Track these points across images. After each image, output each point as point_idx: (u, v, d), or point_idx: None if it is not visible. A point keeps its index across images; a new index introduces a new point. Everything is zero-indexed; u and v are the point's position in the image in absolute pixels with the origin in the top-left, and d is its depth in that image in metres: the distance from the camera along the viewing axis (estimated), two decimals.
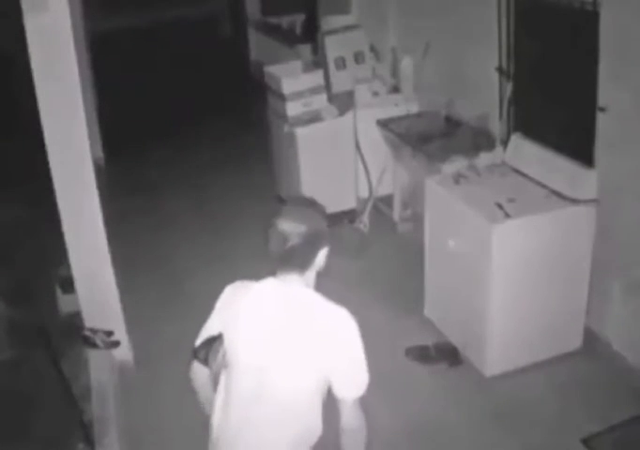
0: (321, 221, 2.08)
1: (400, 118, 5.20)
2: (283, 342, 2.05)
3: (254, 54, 9.93)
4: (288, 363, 2.05)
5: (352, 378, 2.11)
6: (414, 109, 5.36)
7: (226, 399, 2.15)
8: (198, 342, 2.22)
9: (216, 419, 2.21)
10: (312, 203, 2.14)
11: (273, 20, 8.99)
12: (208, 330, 2.20)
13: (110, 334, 3.85)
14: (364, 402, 2.15)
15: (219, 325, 2.17)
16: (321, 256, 2.09)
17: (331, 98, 5.48)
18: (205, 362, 2.20)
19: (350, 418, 2.12)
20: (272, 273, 2.11)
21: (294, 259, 2.04)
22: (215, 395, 2.23)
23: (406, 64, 5.33)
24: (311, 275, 2.11)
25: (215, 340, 2.16)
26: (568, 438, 3.39)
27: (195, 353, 2.22)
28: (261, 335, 2.07)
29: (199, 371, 2.23)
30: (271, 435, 2.08)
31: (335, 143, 5.44)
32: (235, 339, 2.11)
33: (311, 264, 2.07)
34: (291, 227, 2.01)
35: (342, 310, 2.09)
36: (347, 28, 5.60)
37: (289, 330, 2.05)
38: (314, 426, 2.13)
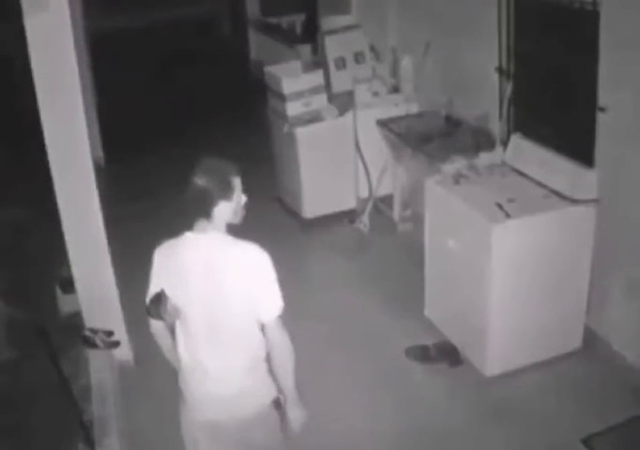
0: (226, 173, 2.40)
1: (400, 118, 5.20)
2: (215, 283, 2.39)
3: (254, 54, 9.92)
4: (224, 298, 2.40)
5: (270, 301, 2.42)
6: (414, 109, 5.36)
7: (187, 341, 2.51)
8: (147, 302, 2.52)
9: (183, 359, 2.54)
10: (223, 161, 2.44)
11: (273, 20, 8.99)
12: (153, 289, 2.51)
13: (110, 334, 3.85)
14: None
15: (160, 283, 2.48)
16: (224, 208, 2.38)
17: (331, 98, 5.48)
18: (159, 316, 2.51)
19: (275, 336, 2.47)
20: (190, 228, 2.44)
21: (201, 209, 2.37)
22: (168, 339, 2.60)
23: (406, 64, 5.33)
24: (220, 223, 2.41)
25: (161, 297, 2.47)
26: (568, 438, 3.39)
27: (148, 312, 2.52)
28: (196, 281, 2.40)
29: (156, 326, 2.58)
30: (228, 356, 2.47)
31: (335, 143, 5.44)
32: (176, 291, 2.44)
33: (210, 213, 2.37)
34: (199, 182, 2.33)
35: (255, 246, 2.45)
36: (347, 28, 5.60)
37: (216, 272, 2.39)
38: (259, 349, 2.52)
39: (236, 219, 2.48)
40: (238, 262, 2.42)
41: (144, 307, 2.55)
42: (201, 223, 2.42)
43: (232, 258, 2.42)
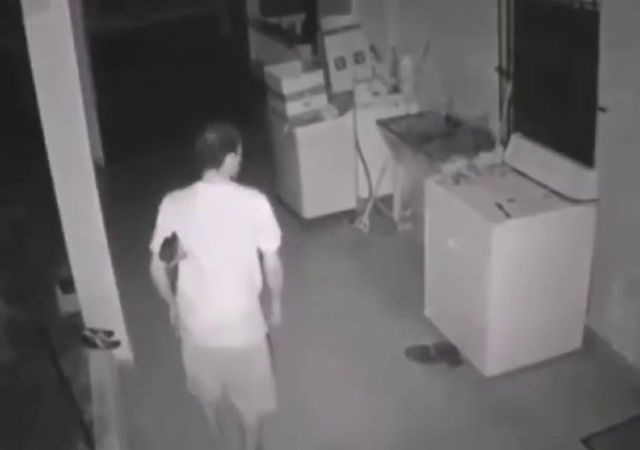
0: (233, 132, 2.85)
1: (400, 118, 5.20)
2: (223, 223, 2.80)
3: (254, 54, 9.93)
4: (231, 236, 2.83)
5: (271, 233, 2.88)
6: (414, 109, 5.36)
7: (194, 278, 2.89)
8: (156, 246, 2.86)
9: (184, 293, 2.96)
10: (229, 123, 2.88)
11: (273, 20, 8.99)
12: (161, 234, 2.83)
13: (110, 334, 3.85)
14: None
15: (169, 228, 2.81)
16: (231, 159, 2.81)
17: (331, 98, 5.48)
18: (169, 259, 2.82)
19: (272, 263, 2.93)
20: (199, 178, 2.83)
21: (212, 158, 2.77)
22: (166, 279, 2.99)
23: (406, 64, 5.32)
24: (226, 174, 2.83)
25: (171, 240, 2.78)
26: (568, 438, 3.39)
27: (160, 255, 2.83)
28: (206, 223, 2.80)
29: (157, 268, 2.94)
30: (233, 289, 2.90)
31: (335, 143, 5.44)
32: (188, 233, 2.81)
33: (223, 163, 2.79)
34: (211, 137, 2.77)
35: (256, 191, 2.87)
36: (347, 28, 5.59)
37: (227, 214, 2.81)
38: (257, 278, 2.96)
39: (235, 174, 2.88)
40: (245, 204, 2.84)
41: (153, 252, 2.89)
42: (210, 174, 2.81)
43: (240, 202, 2.83)
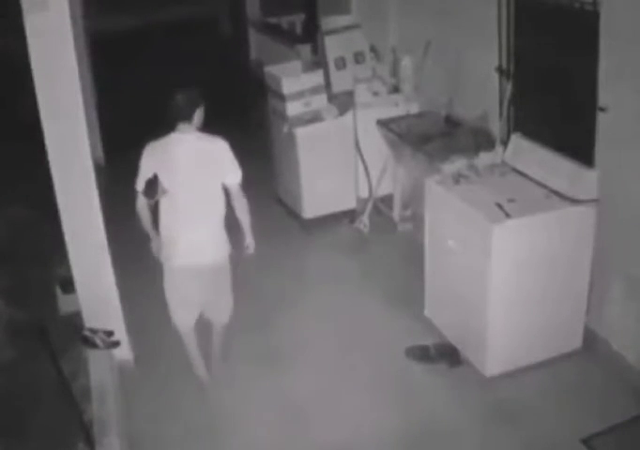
0: (197, 93, 3.55)
1: (400, 118, 5.20)
2: (194, 164, 3.47)
3: (254, 54, 9.92)
4: (201, 174, 3.48)
5: (233, 170, 3.55)
6: (414, 109, 5.36)
7: (172, 212, 3.54)
8: (140, 186, 3.54)
9: (166, 224, 3.59)
10: (192, 89, 3.58)
11: (273, 20, 8.99)
12: (144, 177, 3.52)
13: (110, 334, 3.85)
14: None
15: (151, 171, 3.48)
16: (198, 113, 3.49)
17: (331, 98, 5.48)
18: (151, 196, 3.50)
19: (237, 194, 3.60)
20: (172, 130, 3.48)
21: (184, 113, 3.45)
22: (148, 213, 3.62)
23: (406, 64, 5.32)
24: (195, 125, 3.50)
25: (153, 181, 3.47)
26: (568, 438, 3.39)
27: (144, 193, 3.53)
28: (181, 165, 3.46)
29: (142, 203, 3.59)
30: (203, 218, 3.56)
31: (335, 143, 5.44)
32: (167, 175, 3.47)
33: (192, 116, 3.46)
34: (183, 97, 3.48)
35: (220, 138, 3.55)
36: (347, 28, 5.59)
37: (195, 157, 3.48)
38: (222, 208, 3.59)
39: (200, 125, 3.53)
40: (212, 147, 3.53)
41: (138, 191, 3.56)
42: (182, 126, 3.48)
43: (207, 146, 3.52)
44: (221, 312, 3.86)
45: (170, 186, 3.47)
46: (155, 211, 3.61)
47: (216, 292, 3.78)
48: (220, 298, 3.82)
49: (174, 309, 3.80)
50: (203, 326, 3.89)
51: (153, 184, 3.48)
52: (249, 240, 3.78)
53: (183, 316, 3.80)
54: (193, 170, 3.47)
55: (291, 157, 5.49)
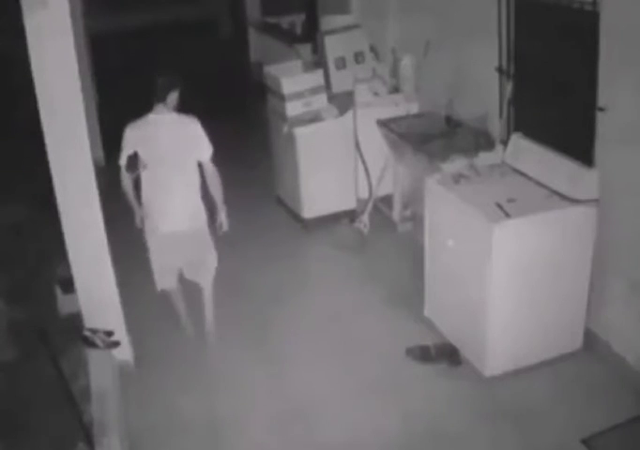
0: (174, 76, 3.95)
1: (400, 118, 5.20)
2: (171, 141, 3.86)
3: (254, 54, 9.92)
4: (178, 149, 3.88)
5: (206, 147, 3.93)
6: (414, 109, 5.36)
7: (152, 185, 3.91)
8: (123, 161, 3.90)
9: (147, 196, 3.97)
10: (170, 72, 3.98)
11: (273, 20, 8.99)
12: (126, 153, 3.89)
13: (110, 334, 3.85)
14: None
15: (132, 147, 3.87)
16: (173, 94, 3.87)
17: (331, 98, 5.48)
18: (133, 170, 3.90)
19: (210, 171, 3.98)
20: (150, 110, 3.89)
21: (159, 95, 3.84)
22: (132, 187, 3.98)
23: (406, 64, 5.33)
24: (171, 105, 3.89)
25: (135, 157, 3.87)
26: (568, 438, 3.39)
27: (127, 168, 3.90)
28: (159, 142, 3.85)
29: (125, 177, 3.95)
30: (180, 189, 3.94)
31: (335, 143, 5.43)
32: (147, 151, 3.87)
33: (166, 98, 3.85)
34: (160, 80, 3.87)
35: (193, 117, 3.95)
36: (347, 28, 5.60)
37: (171, 134, 3.87)
38: (197, 180, 3.99)
39: (175, 106, 3.91)
40: (186, 126, 3.91)
41: (121, 166, 3.91)
42: (158, 107, 3.88)
43: (182, 125, 3.91)
44: (204, 275, 4.23)
45: (149, 161, 3.87)
46: (137, 186, 4.01)
47: (196, 256, 4.17)
48: (201, 262, 4.20)
49: (158, 273, 4.15)
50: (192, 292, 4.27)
51: (134, 160, 3.89)
52: (222, 217, 4.16)
53: (166, 278, 4.19)
54: (169, 146, 3.86)
55: (291, 157, 5.49)
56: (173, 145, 3.86)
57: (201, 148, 3.92)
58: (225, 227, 4.16)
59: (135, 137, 3.86)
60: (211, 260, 4.20)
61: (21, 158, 5.70)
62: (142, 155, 3.86)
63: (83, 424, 3.28)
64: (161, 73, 3.92)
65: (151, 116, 3.88)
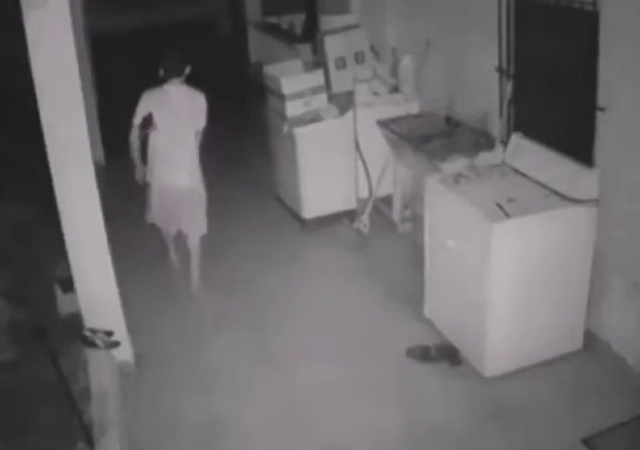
0: (183, 55, 4.58)
1: (400, 118, 5.20)
2: (181, 109, 4.49)
3: (254, 54, 9.92)
4: (185, 117, 4.51)
5: (205, 118, 4.58)
6: (414, 109, 5.36)
7: (159, 145, 4.53)
8: (137, 121, 4.50)
9: (153, 154, 4.59)
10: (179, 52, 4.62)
11: (273, 20, 8.99)
12: (141, 114, 4.49)
13: (110, 334, 3.85)
14: None
15: (147, 110, 4.47)
16: (187, 69, 4.49)
17: (331, 98, 5.48)
18: (147, 127, 4.50)
19: (199, 136, 4.61)
20: (165, 81, 4.48)
21: (177, 70, 4.47)
22: (139, 145, 4.59)
23: (406, 64, 5.33)
24: (183, 79, 4.50)
25: (149, 117, 4.47)
26: (568, 438, 3.39)
27: (140, 126, 4.52)
28: (171, 108, 4.48)
29: (135, 135, 4.54)
30: (182, 149, 4.56)
31: (335, 143, 5.43)
32: (160, 113, 4.48)
33: (183, 73, 4.48)
34: (176, 55, 4.55)
35: (200, 91, 4.58)
36: (347, 28, 5.60)
37: (182, 103, 4.50)
38: (195, 145, 4.59)
39: (184, 79, 4.54)
40: (195, 99, 4.56)
41: (134, 125, 4.52)
42: (174, 80, 4.48)
43: (192, 97, 4.56)
44: (196, 228, 4.81)
45: (159, 123, 4.49)
46: (143, 147, 4.60)
47: (191, 210, 4.72)
48: (195, 216, 4.76)
49: (159, 221, 4.83)
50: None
51: (147, 121, 4.50)
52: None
53: (166, 227, 4.87)
54: (179, 112, 4.48)
55: (291, 157, 5.49)
56: (182, 112, 4.49)
57: (202, 118, 4.55)
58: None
59: (152, 101, 4.48)
60: (202, 217, 4.77)
61: (21, 158, 5.70)
62: (155, 117, 4.48)
63: (83, 424, 3.28)
64: (172, 52, 4.58)
65: (167, 86, 4.48)
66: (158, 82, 4.49)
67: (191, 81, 4.55)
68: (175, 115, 4.46)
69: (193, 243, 4.81)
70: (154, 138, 4.52)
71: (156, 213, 4.74)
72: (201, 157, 4.61)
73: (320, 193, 5.51)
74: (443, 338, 4.12)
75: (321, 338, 4.29)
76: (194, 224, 4.76)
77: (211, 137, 4.65)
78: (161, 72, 4.45)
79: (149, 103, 4.47)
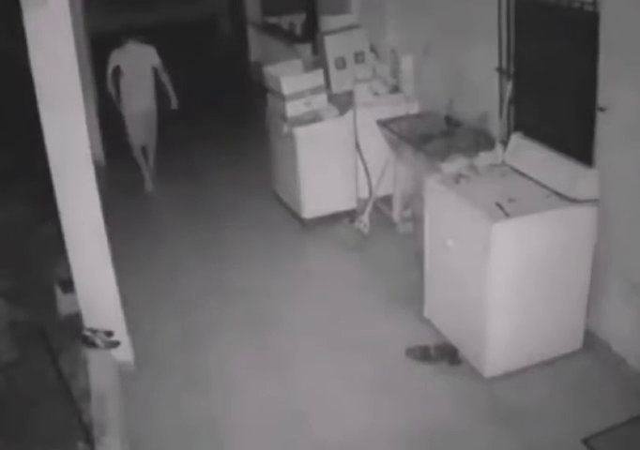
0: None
1: (400, 118, 5.20)
2: (140, 58, 6.35)
3: (254, 54, 9.92)
4: (143, 62, 6.36)
5: (158, 58, 6.45)
6: (414, 109, 5.36)
7: (127, 85, 6.40)
8: (109, 71, 6.33)
9: (124, 92, 6.42)
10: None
11: (273, 20, 8.99)
12: (111, 66, 6.28)
13: (110, 334, 3.85)
14: None
15: (115, 63, 6.28)
16: (141, 37, 6.41)
17: (331, 98, 5.48)
18: (115, 76, 6.33)
19: (162, 72, 6.48)
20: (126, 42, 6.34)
21: (136, 36, 6.41)
22: (113, 86, 6.47)
23: (407, 64, 5.33)
24: (136, 40, 6.43)
25: (117, 68, 6.31)
26: (568, 438, 3.39)
27: (110, 74, 6.34)
28: (133, 59, 6.33)
29: (110, 82, 6.36)
30: (144, 87, 6.43)
31: (335, 143, 5.44)
32: (125, 64, 6.32)
33: (137, 37, 6.44)
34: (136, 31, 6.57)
35: (151, 46, 6.41)
36: (347, 28, 5.60)
37: (140, 55, 6.36)
38: (152, 81, 6.42)
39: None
40: (149, 51, 6.37)
41: (107, 74, 6.33)
42: (129, 41, 6.28)
43: (146, 50, 6.35)
44: (152, 138, 6.70)
45: (125, 70, 6.33)
46: (117, 87, 6.38)
47: (150, 125, 6.60)
48: (152, 131, 6.65)
49: (134, 138, 6.61)
50: None
51: (116, 70, 6.30)
52: (173, 99, 6.57)
53: (137, 141, 6.65)
54: (138, 61, 6.32)
55: (291, 157, 5.49)
56: (140, 61, 6.33)
57: (155, 59, 6.38)
58: (174, 104, 6.59)
59: (118, 56, 6.31)
60: (155, 128, 6.64)
61: (21, 158, 5.70)
62: (122, 67, 6.31)
63: (83, 424, 3.28)
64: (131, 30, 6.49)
65: (127, 45, 6.31)
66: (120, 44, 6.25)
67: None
68: (136, 63, 6.32)
69: (151, 152, 6.75)
70: (123, 81, 6.38)
71: (132, 133, 6.56)
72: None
73: (320, 193, 5.51)
74: (443, 338, 4.12)
75: (320, 338, 4.29)
76: (150, 134, 6.65)
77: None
78: (122, 39, 6.28)
79: (117, 57, 6.31)
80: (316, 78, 5.43)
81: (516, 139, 4.16)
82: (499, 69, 4.34)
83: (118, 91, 6.38)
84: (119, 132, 6.63)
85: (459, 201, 3.82)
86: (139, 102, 6.41)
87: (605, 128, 3.62)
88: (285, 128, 5.42)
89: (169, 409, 3.79)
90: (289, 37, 8.06)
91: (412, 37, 5.34)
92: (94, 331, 3.82)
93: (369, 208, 5.41)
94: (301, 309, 4.60)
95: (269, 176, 6.14)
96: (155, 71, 6.42)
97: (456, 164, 4.21)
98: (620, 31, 3.39)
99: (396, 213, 5.47)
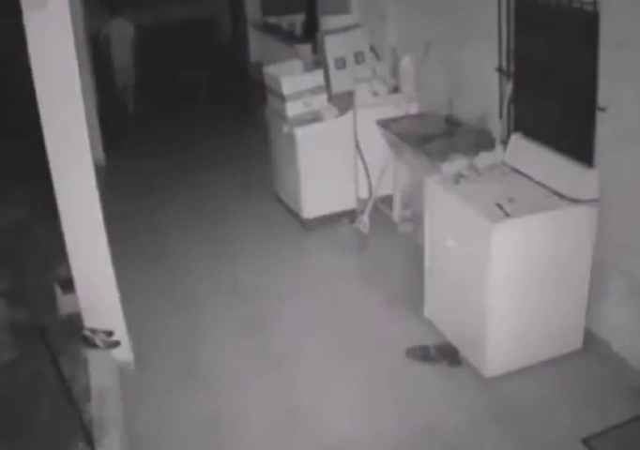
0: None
1: (400, 118, 5.20)
2: (121, 30, 8.38)
3: (254, 55, 9.92)
4: (123, 33, 8.40)
5: (132, 27, 8.64)
6: (414, 109, 5.36)
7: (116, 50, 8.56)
8: (101, 41, 8.31)
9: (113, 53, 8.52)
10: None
11: (273, 20, 8.99)
12: (101, 37, 8.35)
13: (110, 334, 3.85)
14: None
15: (104, 34, 8.40)
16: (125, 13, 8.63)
17: (331, 98, 5.48)
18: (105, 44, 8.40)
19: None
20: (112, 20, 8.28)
21: (118, 12, 8.52)
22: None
23: (406, 64, 5.33)
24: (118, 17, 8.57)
25: (106, 36, 8.33)
26: (568, 438, 3.39)
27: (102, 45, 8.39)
28: (116, 30, 8.42)
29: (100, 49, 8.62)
30: (124, 47, 8.38)
31: (335, 143, 5.44)
32: (111, 32, 8.34)
33: (118, 13, 8.49)
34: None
35: (127, 21, 8.54)
36: (347, 28, 5.59)
37: (121, 27, 8.36)
38: (131, 42, 8.72)
39: None
40: (124, 22, 8.32)
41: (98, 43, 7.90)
42: (113, 16, 8.31)
43: (123, 22, 8.31)
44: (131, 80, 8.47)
45: (112, 37, 8.06)
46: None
47: (129, 74, 8.37)
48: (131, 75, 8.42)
49: (120, 82, 8.25)
50: None
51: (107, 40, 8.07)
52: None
53: (120, 82, 8.27)
54: (120, 31, 7.97)
55: (291, 158, 5.49)
56: (121, 31, 8.03)
57: (132, 29, 8.07)
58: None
59: (106, 29, 8.06)
60: (133, 74, 8.42)
61: (20, 158, 5.71)
62: (110, 36, 7.99)
63: (83, 424, 3.28)
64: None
65: (112, 21, 8.08)
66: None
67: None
68: (118, 32, 8.10)
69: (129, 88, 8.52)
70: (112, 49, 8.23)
71: (118, 78, 8.24)
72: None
73: (320, 193, 5.51)
74: (443, 339, 4.12)
75: (320, 338, 4.29)
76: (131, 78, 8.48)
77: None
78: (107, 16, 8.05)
79: (105, 30, 8.11)
80: (316, 78, 5.42)
81: (516, 139, 4.16)
82: (499, 69, 4.34)
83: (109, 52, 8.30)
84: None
85: (459, 201, 3.82)
86: (123, 56, 8.36)
87: (605, 128, 3.62)
88: (285, 128, 5.43)
89: (169, 409, 3.79)
90: (289, 37, 8.06)
91: (412, 37, 5.34)
92: (94, 331, 3.82)
93: (369, 208, 5.41)
94: (301, 309, 4.60)
95: (269, 176, 6.14)
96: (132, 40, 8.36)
97: (456, 164, 4.21)
98: (620, 31, 3.39)
99: (396, 213, 5.47)
